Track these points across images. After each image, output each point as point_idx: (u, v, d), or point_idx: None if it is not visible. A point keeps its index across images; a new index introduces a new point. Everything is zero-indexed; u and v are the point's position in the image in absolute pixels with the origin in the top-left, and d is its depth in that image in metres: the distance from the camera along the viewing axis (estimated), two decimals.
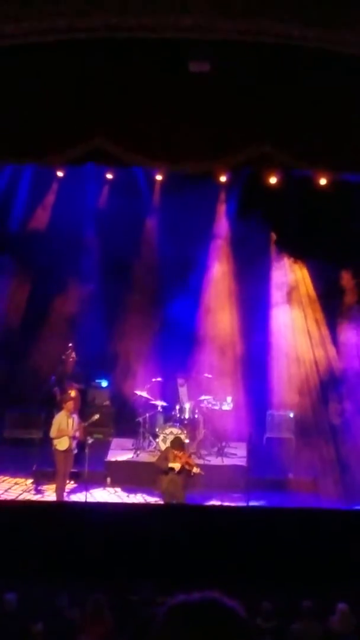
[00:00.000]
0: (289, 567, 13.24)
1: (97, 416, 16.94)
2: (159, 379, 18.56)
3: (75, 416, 16.21)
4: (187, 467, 15.08)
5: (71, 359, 18.50)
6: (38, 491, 16.62)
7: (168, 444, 16.03)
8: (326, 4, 12.88)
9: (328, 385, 18.08)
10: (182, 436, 16.49)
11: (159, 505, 15.77)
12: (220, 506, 16.07)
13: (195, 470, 15.28)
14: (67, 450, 15.92)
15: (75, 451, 16.13)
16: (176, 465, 14.95)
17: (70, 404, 16.25)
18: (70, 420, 16.00)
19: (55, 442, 15.92)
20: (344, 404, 17.11)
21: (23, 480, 17.01)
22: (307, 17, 12.92)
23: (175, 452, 15.10)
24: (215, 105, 14.15)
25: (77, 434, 16.07)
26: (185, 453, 15.49)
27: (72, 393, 17.04)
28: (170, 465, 14.98)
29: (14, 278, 19.53)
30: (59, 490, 15.90)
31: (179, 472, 14.99)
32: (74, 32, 13.21)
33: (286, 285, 18.98)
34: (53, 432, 16.02)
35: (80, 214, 19.49)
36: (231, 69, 13.96)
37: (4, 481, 17.01)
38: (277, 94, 14.06)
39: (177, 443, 15.43)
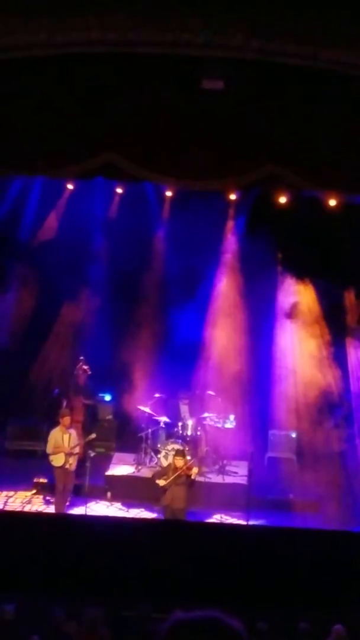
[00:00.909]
0: (286, 587, 13.19)
1: (93, 435, 16.92)
2: (162, 395, 18.56)
3: (72, 431, 16.08)
4: (187, 472, 15.05)
5: (82, 372, 18.52)
6: (47, 502, 16.57)
7: (170, 460, 16.02)
8: (339, 25, 12.92)
9: (330, 409, 18.04)
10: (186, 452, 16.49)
11: (158, 520, 15.75)
12: (219, 524, 16.05)
13: (194, 471, 15.28)
14: (63, 467, 15.79)
15: (74, 468, 16.00)
16: (161, 482, 14.96)
17: (66, 419, 16.06)
18: (66, 436, 15.88)
19: (51, 457, 15.84)
20: (347, 429, 17.03)
21: (24, 492, 16.99)
22: (321, 38, 12.97)
23: (178, 463, 15.06)
24: (226, 124, 14.18)
25: (77, 449, 15.96)
26: (187, 461, 15.45)
27: (68, 412, 16.72)
28: (157, 481, 15.02)
29: (21, 288, 19.54)
30: (57, 505, 15.87)
31: (175, 482, 14.95)
32: (86, 46, 13.27)
33: (291, 305, 19.00)
34: (49, 448, 15.96)
35: (89, 227, 19.55)
36: (243, 88, 14.01)
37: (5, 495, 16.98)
38: (288, 114, 14.09)
39: (180, 453, 15.50)
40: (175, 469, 15.04)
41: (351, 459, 16.91)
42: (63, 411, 16.59)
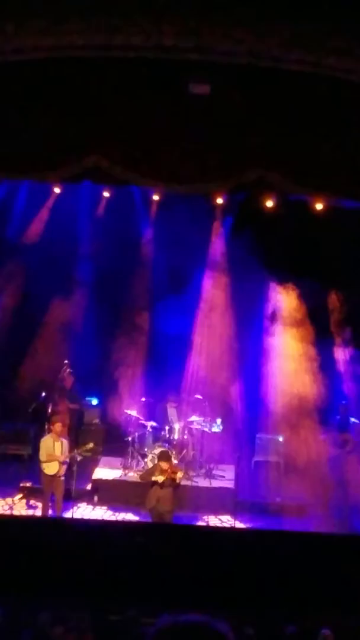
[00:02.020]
0: (272, 591, 13.17)
1: (91, 445, 16.88)
2: (149, 398, 18.54)
3: (64, 440, 15.92)
4: (172, 475, 15.04)
5: (66, 375, 18.48)
6: (29, 507, 16.54)
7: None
8: (326, 30, 12.95)
9: (320, 413, 18.02)
10: (171, 457, 16.45)
11: (144, 523, 15.73)
12: (205, 527, 16.02)
13: (179, 475, 15.26)
14: (56, 475, 15.65)
15: (63, 476, 15.85)
16: (159, 478, 14.93)
17: (57, 427, 15.86)
18: (57, 444, 15.73)
19: (44, 465, 15.66)
20: (340, 434, 16.99)
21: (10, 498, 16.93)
22: (307, 43, 12.99)
23: (162, 464, 15.06)
24: (213, 127, 14.18)
25: (68, 458, 15.84)
26: (172, 465, 15.44)
27: (59, 418, 16.51)
28: (154, 478, 14.97)
29: (7, 289, 19.45)
30: (44, 511, 15.78)
31: (164, 484, 14.93)
32: (72, 50, 13.26)
33: (279, 308, 19.00)
34: (42, 456, 15.78)
35: (75, 229, 19.52)
36: (230, 92, 14.02)
37: None
38: (275, 118, 14.11)
39: (164, 455, 15.40)
40: (162, 470, 15.01)
41: (342, 465, 16.85)
42: (54, 418, 16.40)
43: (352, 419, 17.15)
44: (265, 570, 13.42)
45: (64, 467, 15.77)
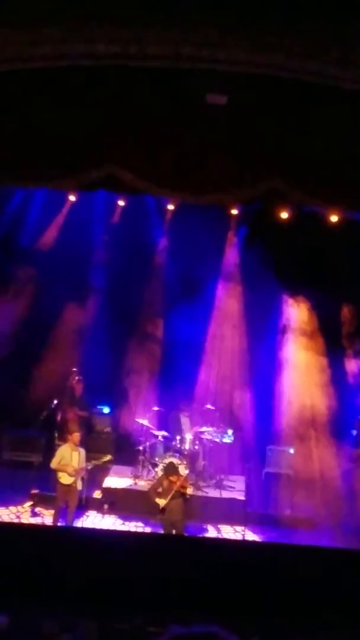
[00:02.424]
0: (280, 602, 13.13)
1: (109, 457, 16.86)
2: (160, 408, 18.53)
3: (82, 450, 15.78)
4: (181, 490, 15.03)
5: (75, 383, 18.47)
6: (34, 514, 16.52)
7: None
8: (343, 42, 12.95)
9: (333, 426, 17.97)
10: (182, 467, 16.42)
11: (153, 534, 15.71)
12: (215, 539, 15.99)
13: (188, 491, 15.26)
14: (71, 485, 15.51)
15: (80, 487, 15.71)
16: (161, 502, 14.91)
17: (75, 437, 15.73)
18: (75, 454, 15.58)
19: (60, 474, 15.48)
20: (354, 448, 16.95)
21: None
22: (324, 54, 12.99)
23: (171, 478, 15.04)
24: (228, 138, 14.19)
25: (85, 468, 15.69)
26: (180, 477, 15.42)
27: (77, 428, 16.42)
28: (157, 500, 14.95)
29: (20, 296, 19.44)
30: (55, 521, 15.67)
31: (173, 499, 14.93)
32: (88, 59, 13.29)
33: (290, 320, 18.97)
34: (54, 463, 15.70)
35: (89, 237, 19.53)
36: (246, 103, 14.03)
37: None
38: (291, 129, 14.10)
39: (170, 468, 15.39)
40: (170, 483, 14.99)
41: (355, 479, 16.81)
42: (72, 428, 16.30)
43: None
44: (273, 581, 13.39)
45: (80, 477, 15.65)
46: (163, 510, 14.97)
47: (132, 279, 19.35)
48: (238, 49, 12.94)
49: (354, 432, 17.31)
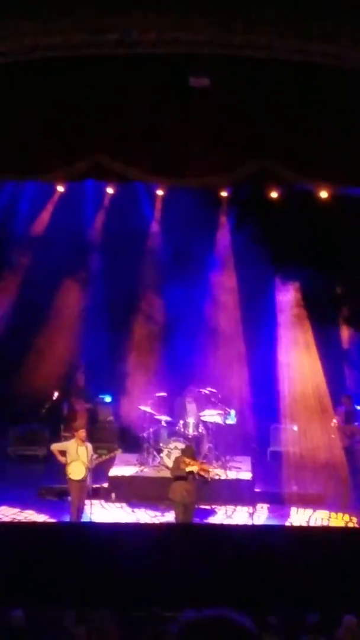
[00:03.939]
0: (294, 582, 13.20)
1: (119, 451, 16.90)
2: (163, 393, 18.54)
3: (88, 445, 15.66)
4: (202, 472, 15.12)
5: (79, 374, 18.50)
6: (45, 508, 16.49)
7: (172, 458, 16.05)
8: (325, 19, 12.92)
9: (332, 404, 17.99)
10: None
11: (165, 523, 15.77)
12: (225, 524, 16.02)
13: (212, 474, 15.37)
14: (82, 480, 15.39)
15: (90, 482, 15.60)
16: (194, 468, 14.99)
17: (82, 433, 15.62)
18: (82, 449, 15.46)
19: (69, 471, 15.39)
20: (350, 426, 16.93)
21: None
22: (307, 32, 12.97)
23: (187, 460, 15.10)
24: (215, 120, 14.17)
25: (93, 463, 15.60)
26: (197, 460, 15.51)
27: (82, 424, 16.36)
28: (188, 469, 14.99)
29: (14, 288, 19.28)
30: (73, 517, 15.52)
31: (194, 478, 15.01)
32: (72, 49, 13.25)
33: (288, 300, 18.97)
34: (54, 446, 15.83)
35: (80, 225, 19.43)
36: (231, 84, 14.01)
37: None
38: (277, 108, 14.08)
39: (189, 451, 15.48)
40: (187, 464, 15.05)
41: (355, 455, 16.82)
42: (77, 424, 16.25)
43: (359, 407, 17.08)
44: (286, 562, 13.46)
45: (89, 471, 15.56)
46: (191, 474, 15.02)
47: (125, 264, 19.24)
48: (219, 31, 12.91)
49: (343, 409, 17.23)
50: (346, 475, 16.86)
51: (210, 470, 15.56)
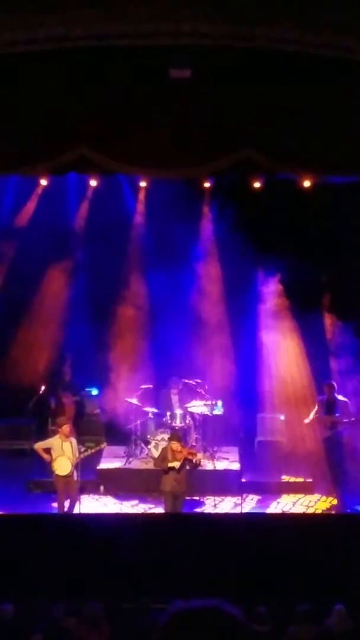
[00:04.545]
0: (283, 571, 13.22)
1: (104, 445, 16.88)
2: (149, 385, 18.54)
3: (72, 440, 15.62)
4: (190, 457, 15.09)
5: (66, 367, 18.48)
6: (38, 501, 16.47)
7: (160, 450, 16.03)
8: (306, 6, 12.93)
9: (314, 395, 17.98)
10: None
11: (152, 514, 15.79)
12: (213, 513, 16.05)
13: (199, 457, 15.34)
14: (68, 476, 15.38)
15: (77, 477, 15.55)
16: (175, 464, 14.96)
17: (65, 429, 15.55)
18: (66, 444, 15.41)
19: (55, 466, 15.38)
20: (330, 417, 16.83)
21: None
22: (287, 20, 12.97)
23: (174, 446, 15.07)
24: (196, 111, 14.15)
25: (79, 457, 15.51)
26: (185, 446, 15.50)
27: (66, 420, 16.31)
28: (170, 464, 14.97)
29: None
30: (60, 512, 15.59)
31: (182, 466, 14.99)
32: (52, 42, 13.22)
33: (271, 290, 18.98)
34: (38, 445, 15.72)
35: (65, 217, 19.40)
36: (211, 75, 13.99)
37: None
38: (258, 98, 14.08)
39: (175, 437, 15.47)
40: (174, 452, 15.02)
41: (337, 445, 16.76)
42: (60, 420, 16.17)
43: (340, 397, 16.91)
44: (275, 550, 13.47)
45: (76, 466, 15.49)
46: (173, 469, 14.99)
47: (109, 256, 19.16)
48: (201, 21, 12.90)
49: (324, 399, 17.02)
50: (329, 466, 16.83)
51: (198, 454, 15.52)
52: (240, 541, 13.63)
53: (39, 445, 15.72)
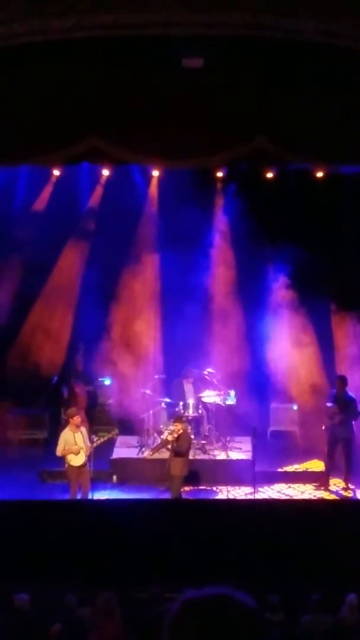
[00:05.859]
0: (296, 559, 13.23)
1: (115, 431, 16.87)
2: (162, 375, 18.53)
3: (83, 429, 15.64)
4: (173, 435, 15.52)
5: (79, 357, 18.49)
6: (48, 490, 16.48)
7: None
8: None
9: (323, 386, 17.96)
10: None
11: (165, 500, 15.80)
12: (226, 500, 16.07)
13: (177, 427, 15.59)
14: (82, 466, 15.41)
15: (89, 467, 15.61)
16: (169, 437, 15.47)
17: (76, 419, 15.57)
18: (78, 435, 15.42)
19: (69, 458, 15.36)
20: (334, 407, 16.79)
21: None
22: (302, 9, 12.92)
23: (175, 425, 15.53)
24: (209, 100, 14.15)
25: (91, 446, 15.56)
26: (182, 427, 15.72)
27: (76, 411, 16.25)
28: (163, 436, 15.67)
29: (12, 271, 19.19)
30: None
31: (173, 443, 15.38)
32: (64, 32, 13.20)
33: (284, 281, 18.91)
34: (59, 450, 15.51)
35: (78, 206, 19.40)
36: (225, 64, 13.96)
37: None
38: (271, 88, 14.07)
39: (178, 418, 15.93)
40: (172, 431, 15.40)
41: (336, 435, 16.72)
42: (71, 411, 16.12)
43: (351, 394, 16.88)
44: (288, 539, 13.48)
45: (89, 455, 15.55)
46: (168, 442, 15.45)
47: (121, 245, 19.15)
48: (215, 11, 12.87)
49: (334, 391, 17.01)
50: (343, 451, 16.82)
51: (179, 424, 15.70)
52: (253, 527, 13.64)
53: (60, 451, 15.55)
